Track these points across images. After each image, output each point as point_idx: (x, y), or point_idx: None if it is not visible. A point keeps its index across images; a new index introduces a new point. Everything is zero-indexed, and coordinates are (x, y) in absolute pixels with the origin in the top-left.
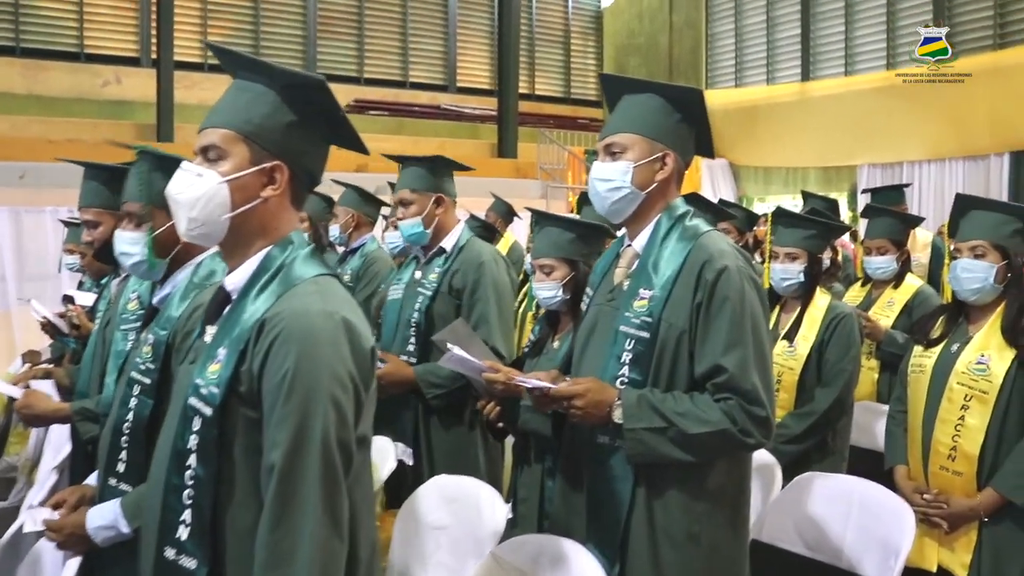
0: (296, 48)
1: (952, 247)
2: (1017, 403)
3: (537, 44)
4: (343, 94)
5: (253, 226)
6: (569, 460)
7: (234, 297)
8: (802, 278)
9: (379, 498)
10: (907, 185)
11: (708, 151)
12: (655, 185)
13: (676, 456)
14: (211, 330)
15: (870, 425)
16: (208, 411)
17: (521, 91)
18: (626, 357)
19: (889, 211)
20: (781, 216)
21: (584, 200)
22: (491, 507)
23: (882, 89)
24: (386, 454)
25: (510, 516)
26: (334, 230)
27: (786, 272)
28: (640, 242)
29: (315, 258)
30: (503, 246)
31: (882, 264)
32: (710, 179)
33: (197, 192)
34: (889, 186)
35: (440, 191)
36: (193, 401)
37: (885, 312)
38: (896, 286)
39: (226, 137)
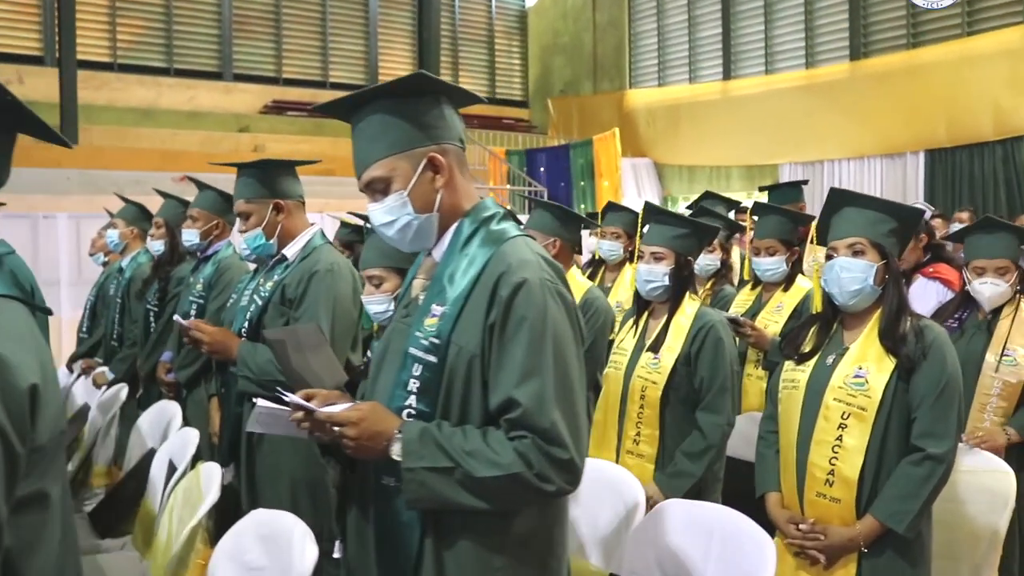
0: (211, 48)
1: (828, 247)
2: (898, 420)
3: (461, 43)
4: (260, 95)
5: None
6: (360, 501)
7: None
8: (667, 281)
9: (199, 534)
10: (804, 182)
11: (467, 97)
12: (440, 194)
13: (465, 502)
14: None
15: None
16: None
17: None
18: (413, 385)
19: (778, 209)
20: (650, 213)
21: None
22: (302, 548)
23: (802, 88)
24: (211, 481)
25: (339, 555)
26: (190, 235)
27: (650, 274)
28: (440, 250)
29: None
30: None
31: (771, 265)
32: (634, 178)
33: None
34: (786, 183)
35: (278, 196)
36: None
37: (774, 317)
38: (786, 289)
39: None
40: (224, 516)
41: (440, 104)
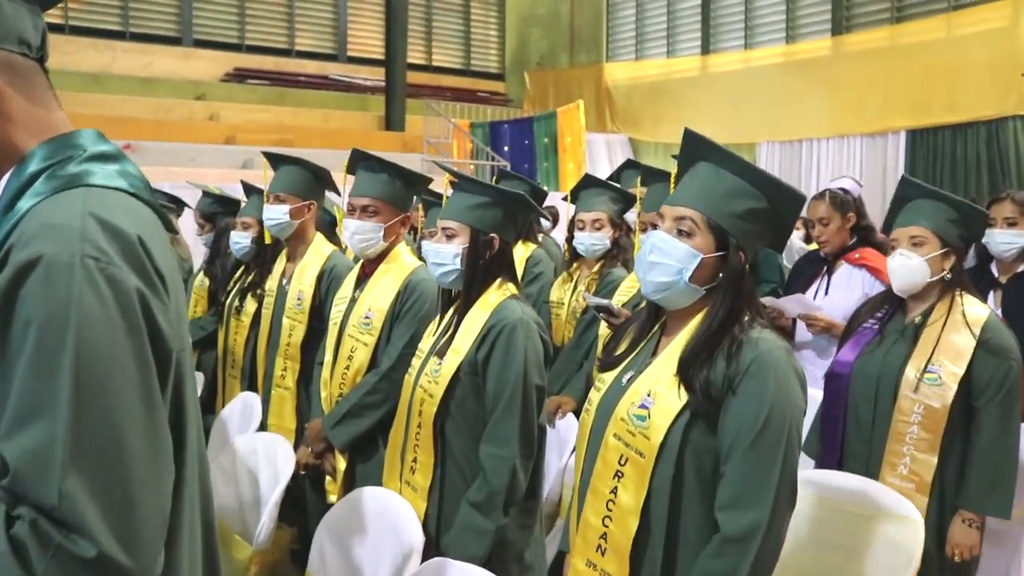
0: (170, 12)
1: (657, 213)
2: (697, 474)
3: (435, 13)
4: (221, 62)
5: None
6: None
7: None
8: (458, 264)
9: None
10: None
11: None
12: None
13: None
14: None
15: None
16: None
17: (417, 62)
18: None
19: (669, 177)
20: (456, 180)
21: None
22: None
23: (781, 65)
24: None
25: None
26: None
27: (437, 255)
28: None
29: None
30: None
31: None
32: (608, 155)
33: None
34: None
35: None
36: None
37: None
38: None
39: None
40: None
41: None
